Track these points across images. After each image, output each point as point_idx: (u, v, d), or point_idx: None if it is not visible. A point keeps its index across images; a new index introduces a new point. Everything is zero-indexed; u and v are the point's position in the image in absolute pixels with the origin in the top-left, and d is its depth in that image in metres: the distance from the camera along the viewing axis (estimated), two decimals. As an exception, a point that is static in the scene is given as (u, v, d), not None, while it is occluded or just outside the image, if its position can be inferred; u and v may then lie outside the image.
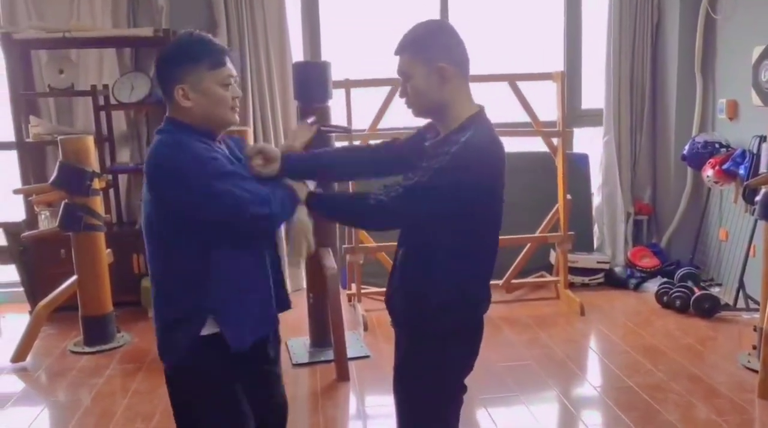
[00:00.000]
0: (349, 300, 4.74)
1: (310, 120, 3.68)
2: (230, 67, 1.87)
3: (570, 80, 5.17)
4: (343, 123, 4.28)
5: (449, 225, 1.82)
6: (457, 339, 1.92)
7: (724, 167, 4.48)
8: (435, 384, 1.93)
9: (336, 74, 3.93)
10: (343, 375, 3.59)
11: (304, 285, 4.32)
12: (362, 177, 2.37)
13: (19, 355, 3.94)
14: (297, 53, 5.06)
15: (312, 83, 3.73)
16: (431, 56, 1.81)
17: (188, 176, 1.76)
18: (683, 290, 4.49)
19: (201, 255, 1.83)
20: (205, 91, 1.83)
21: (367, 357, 3.86)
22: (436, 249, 1.85)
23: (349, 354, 3.70)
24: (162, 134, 1.86)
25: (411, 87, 1.86)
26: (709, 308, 4.36)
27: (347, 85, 4.37)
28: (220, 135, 1.93)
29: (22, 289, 4.79)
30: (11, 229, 4.67)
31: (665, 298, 4.55)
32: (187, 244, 1.83)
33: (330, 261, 3.77)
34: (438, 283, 1.87)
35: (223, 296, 1.86)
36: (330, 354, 3.77)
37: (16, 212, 4.78)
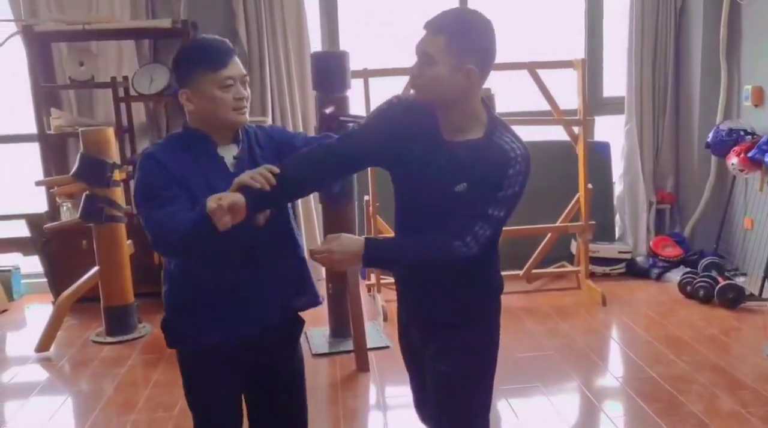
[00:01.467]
0: (369, 291, 4.74)
1: (328, 110, 3.70)
2: (233, 68, 1.87)
3: (591, 68, 5.10)
4: (362, 113, 4.26)
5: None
6: (492, 321, 1.97)
7: (750, 154, 4.40)
8: (484, 366, 1.96)
9: (354, 64, 3.90)
10: (362, 366, 3.59)
11: (324, 275, 4.31)
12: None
13: (43, 345, 3.99)
14: (315, 43, 5.04)
15: (330, 73, 3.71)
16: (466, 52, 1.71)
17: (136, 189, 1.91)
18: (707, 279, 4.43)
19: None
20: (203, 94, 1.86)
21: (387, 347, 3.85)
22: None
23: (369, 344, 3.70)
24: (158, 143, 2.03)
25: (431, 74, 1.72)
26: (733, 299, 4.29)
27: (365, 74, 4.35)
28: (232, 132, 1.94)
29: (45, 280, 4.85)
30: (34, 220, 4.72)
31: (688, 288, 4.50)
32: None
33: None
34: (472, 282, 1.89)
35: (198, 289, 1.94)
36: (349, 345, 3.77)
37: (39, 204, 4.83)
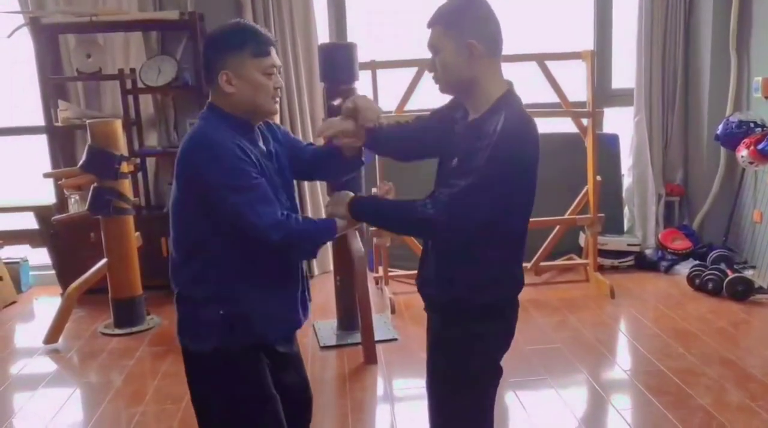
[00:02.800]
0: (377, 283, 4.74)
1: (336, 102, 3.69)
2: (274, 57, 1.87)
3: (600, 59, 5.07)
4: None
5: (493, 205, 1.79)
6: (490, 317, 1.89)
7: (759, 147, 4.36)
8: (468, 362, 1.90)
9: (362, 55, 3.89)
10: (370, 358, 3.59)
11: (331, 268, 4.32)
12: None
13: (51, 337, 4.01)
14: (323, 35, 5.03)
15: (338, 65, 3.70)
16: (462, 32, 1.79)
17: (209, 184, 1.78)
18: (716, 272, 4.41)
19: (218, 241, 1.86)
20: (248, 78, 1.83)
21: (395, 339, 3.86)
22: (477, 229, 1.82)
23: (377, 336, 3.70)
24: (201, 127, 1.86)
25: (439, 61, 1.83)
26: (742, 291, 4.27)
27: (373, 66, 4.33)
28: (258, 124, 1.93)
29: (53, 272, 4.87)
30: (42, 213, 4.74)
31: (697, 281, 4.48)
32: (206, 229, 1.86)
33: (357, 244, 3.76)
34: (472, 264, 1.85)
35: (237, 288, 1.88)
36: (357, 337, 3.77)
37: (47, 196, 4.85)
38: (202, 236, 1.86)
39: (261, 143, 1.93)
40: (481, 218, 1.76)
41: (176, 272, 1.95)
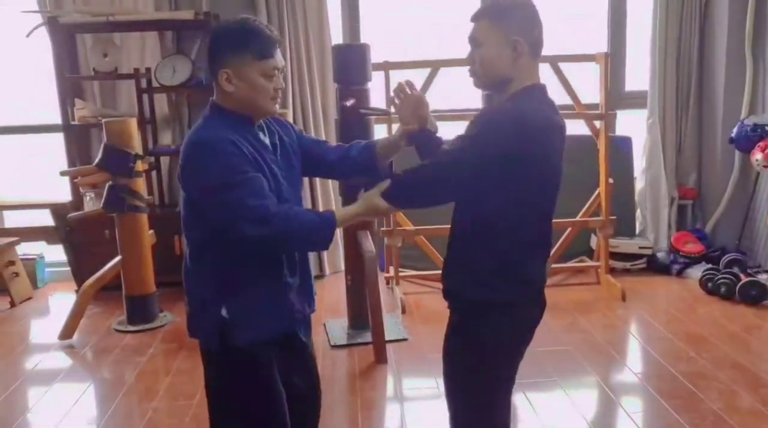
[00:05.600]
0: (387, 283, 4.75)
1: (349, 102, 3.71)
2: (277, 59, 1.86)
3: (614, 62, 5.03)
4: (383, 105, 4.26)
5: (491, 196, 1.80)
6: (501, 314, 1.88)
7: (774, 150, 4.35)
8: (477, 359, 1.91)
9: (375, 56, 3.90)
10: (380, 358, 3.60)
11: (343, 267, 4.34)
12: None
13: (66, 333, 4.05)
14: (336, 36, 5.05)
15: (351, 66, 3.72)
16: (509, 28, 1.80)
17: (204, 180, 1.81)
18: (729, 276, 4.38)
19: (217, 243, 1.88)
20: (248, 79, 1.83)
21: (405, 339, 3.87)
22: (480, 221, 1.85)
23: (387, 336, 3.71)
24: (199, 127, 1.90)
25: (480, 56, 1.84)
26: (755, 296, 4.25)
27: (386, 67, 4.34)
28: (259, 121, 1.94)
29: (68, 268, 4.92)
30: (58, 210, 4.79)
31: (710, 284, 4.45)
32: (206, 232, 1.90)
33: (368, 244, 3.78)
34: (480, 254, 1.86)
35: (236, 287, 1.90)
36: (368, 337, 3.78)
37: (63, 194, 4.90)
38: (204, 235, 1.90)
39: (263, 136, 1.94)
40: (469, 177, 1.80)
41: (185, 271, 2.00)
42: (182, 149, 1.87)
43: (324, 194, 5.03)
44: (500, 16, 1.82)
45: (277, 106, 1.92)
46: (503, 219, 1.83)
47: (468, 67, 1.90)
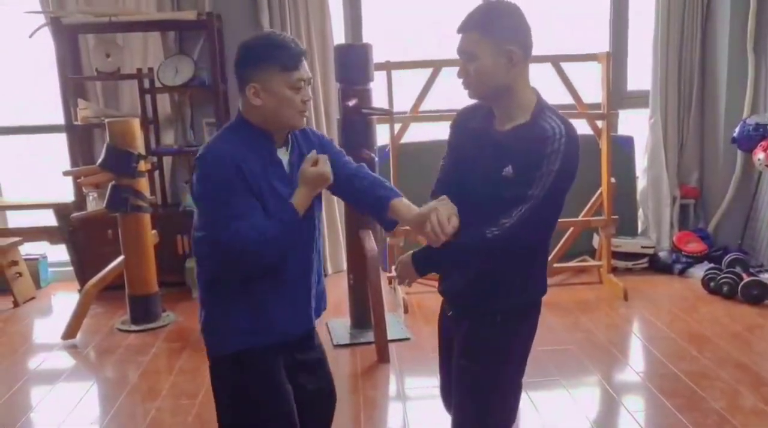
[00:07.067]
0: (390, 283, 4.76)
1: (351, 102, 3.72)
2: (303, 70, 1.86)
3: (616, 61, 5.04)
4: (385, 105, 4.27)
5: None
6: (520, 319, 1.96)
7: (777, 149, 4.35)
8: (501, 362, 1.95)
9: (377, 56, 3.91)
10: (383, 357, 3.61)
11: (345, 267, 4.34)
12: None
13: (69, 332, 4.06)
14: (338, 35, 5.05)
15: (353, 65, 3.73)
16: (501, 38, 1.77)
17: (196, 193, 1.86)
18: (731, 276, 4.38)
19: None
20: (275, 92, 1.83)
21: (408, 339, 3.87)
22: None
23: (390, 336, 3.72)
24: (217, 136, 1.92)
25: (475, 68, 1.80)
26: (757, 295, 4.25)
27: (388, 67, 4.35)
28: (285, 136, 1.94)
29: (71, 268, 4.93)
30: (61, 210, 4.80)
31: (712, 284, 4.45)
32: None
33: (371, 243, 3.78)
34: (505, 266, 1.88)
35: (245, 291, 1.90)
36: (370, 336, 3.79)
37: (66, 194, 4.91)
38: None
39: (283, 153, 1.93)
40: (547, 229, 1.85)
41: (197, 273, 2.00)
42: (198, 157, 1.87)
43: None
44: (490, 27, 1.77)
45: (305, 119, 1.92)
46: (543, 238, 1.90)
47: (461, 80, 1.86)
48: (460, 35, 1.83)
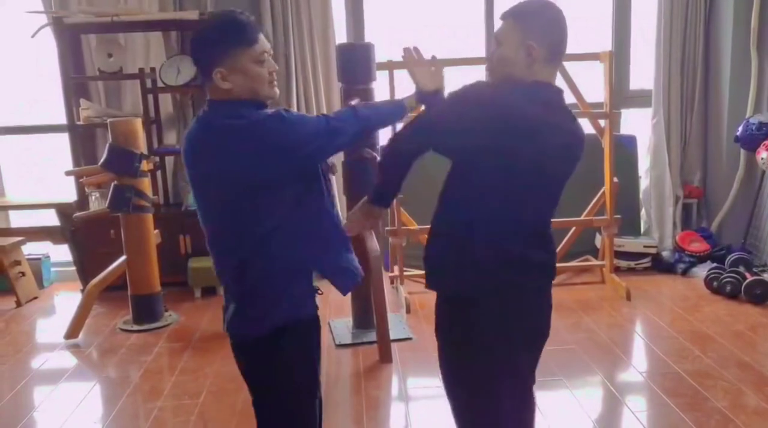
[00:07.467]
0: (392, 282, 4.75)
1: (353, 102, 3.71)
2: (263, 42, 1.87)
3: (618, 60, 5.04)
4: (387, 105, 4.26)
5: (452, 170, 1.92)
6: (461, 305, 1.90)
7: (780, 149, 4.34)
8: (458, 350, 1.93)
9: (379, 56, 3.91)
10: (385, 357, 3.60)
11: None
12: None
13: (72, 332, 4.07)
14: (340, 35, 5.05)
15: (355, 65, 3.72)
16: (527, 32, 1.83)
17: (287, 141, 1.84)
18: (734, 275, 4.37)
19: (288, 209, 1.87)
20: (242, 70, 1.83)
21: (410, 339, 3.87)
22: (444, 195, 1.94)
23: (392, 335, 3.72)
24: (214, 118, 1.87)
25: (498, 54, 1.88)
26: (761, 294, 4.24)
27: (390, 66, 4.35)
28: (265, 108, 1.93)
29: (74, 268, 4.94)
30: (63, 210, 4.80)
31: (715, 283, 4.44)
32: (274, 219, 1.86)
33: (373, 243, 3.78)
34: (439, 227, 1.94)
35: (321, 248, 1.95)
36: (372, 336, 3.79)
37: (68, 193, 4.92)
38: (272, 223, 1.85)
39: None
40: (427, 134, 1.96)
41: (239, 266, 1.89)
42: (218, 141, 1.82)
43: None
44: (522, 19, 1.85)
45: (276, 89, 1.93)
46: (459, 193, 1.96)
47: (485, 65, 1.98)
48: (500, 22, 1.91)
